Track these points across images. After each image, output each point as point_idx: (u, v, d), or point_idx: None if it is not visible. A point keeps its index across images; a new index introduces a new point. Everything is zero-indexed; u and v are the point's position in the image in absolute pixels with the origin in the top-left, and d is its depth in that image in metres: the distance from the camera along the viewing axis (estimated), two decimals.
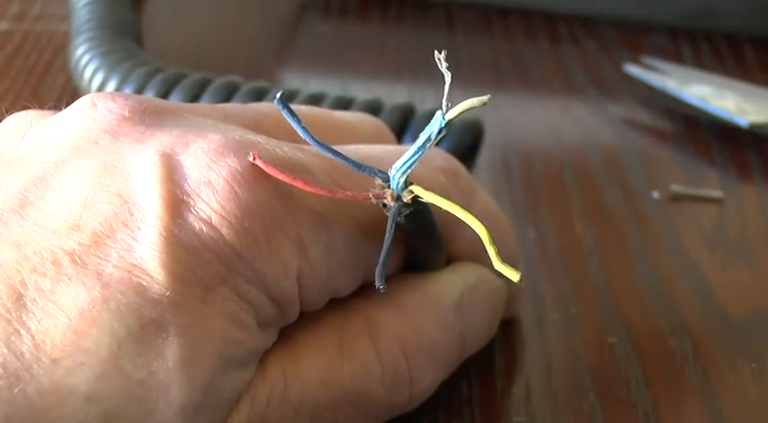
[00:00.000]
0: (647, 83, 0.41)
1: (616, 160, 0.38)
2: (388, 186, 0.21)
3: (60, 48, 0.41)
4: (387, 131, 0.27)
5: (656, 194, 0.35)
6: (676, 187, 0.36)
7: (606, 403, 0.26)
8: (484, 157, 0.35)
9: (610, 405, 0.26)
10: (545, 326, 0.29)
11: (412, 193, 0.20)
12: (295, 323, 0.22)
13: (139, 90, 0.34)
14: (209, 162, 0.20)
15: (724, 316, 0.30)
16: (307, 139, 0.20)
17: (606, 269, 0.31)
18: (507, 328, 0.28)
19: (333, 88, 0.36)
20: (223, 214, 0.19)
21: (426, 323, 0.24)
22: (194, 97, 0.34)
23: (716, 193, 0.35)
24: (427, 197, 0.20)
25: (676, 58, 0.44)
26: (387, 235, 0.21)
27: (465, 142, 0.34)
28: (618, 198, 0.35)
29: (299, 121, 0.20)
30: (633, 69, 0.42)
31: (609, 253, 0.32)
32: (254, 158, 0.20)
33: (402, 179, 0.20)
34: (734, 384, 0.27)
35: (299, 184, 0.20)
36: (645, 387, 0.27)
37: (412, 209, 0.21)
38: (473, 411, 0.26)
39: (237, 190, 0.20)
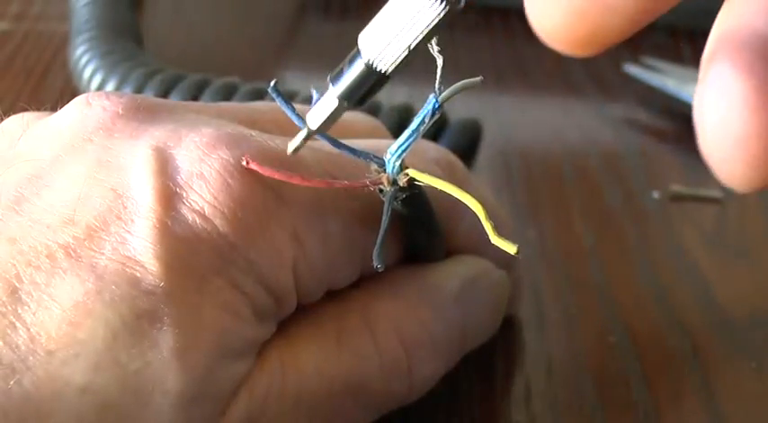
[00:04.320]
0: (647, 83, 0.41)
1: (616, 160, 0.38)
2: (384, 171, 0.21)
3: (60, 48, 0.41)
4: (383, 130, 0.28)
5: (656, 194, 0.35)
6: (676, 187, 0.36)
7: (606, 403, 0.26)
8: (484, 156, 0.35)
9: (610, 405, 0.26)
10: (545, 326, 0.29)
11: (407, 176, 0.21)
12: (293, 316, 0.22)
13: (138, 91, 0.34)
14: (201, 155, 0.20)
15: (724, 316, 0.30)
16: (299, 125, 0.21)
17: (606, 269, 0.31)
18: (507, 328, 0.28)
19: None
20: (216, 205, 0.20)
21: (425, 313, 0.24)
22: (193, 99, 0.34)
23: (716, 193, 0.35)
24: (422, 178, 0.20)
25: (676, 58, 0.44)
26: (383, 217, 0.21)
27: (463, 142, 0.34)
28: (618, 198, 0.35)
29: (292, 108, 0.21)
30: (633, 69, 0.42)
31: (609, 253, 0.32)
32: (247, 163, 0.20)
33: (397, 163, 0.21)
34: (734, 384, 0.27)
35: (296, 181, 0.20)
36: (645, 387, 0.27)
37: (408, 193, 0.21)
38: (473, 411, 0.26)
39: (230, 181, 0.20)
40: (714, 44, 0.14)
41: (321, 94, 0.20)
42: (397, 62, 0.19)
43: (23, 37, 0.43)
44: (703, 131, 0.14)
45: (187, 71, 0.35)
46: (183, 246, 0.19)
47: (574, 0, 0.15)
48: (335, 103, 0.20)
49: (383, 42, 0.18)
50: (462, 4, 0.18)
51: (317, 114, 0.20)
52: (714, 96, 0.14)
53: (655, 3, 0.15)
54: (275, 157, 0.21)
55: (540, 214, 0.34)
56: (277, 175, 0.20)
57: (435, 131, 0.34)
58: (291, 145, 0.20)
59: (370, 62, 0.19)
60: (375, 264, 0.20)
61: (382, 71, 0.19)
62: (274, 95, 0.21)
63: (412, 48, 0.18)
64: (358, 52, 0.19)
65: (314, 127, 0.20)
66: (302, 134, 0.20)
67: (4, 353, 0.18)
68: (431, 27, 0.18)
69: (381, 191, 0.21)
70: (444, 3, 0.18)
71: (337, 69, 0.19)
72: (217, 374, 0.20)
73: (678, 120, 0.40)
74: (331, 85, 0.19)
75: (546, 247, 0.32)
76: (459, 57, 0.44)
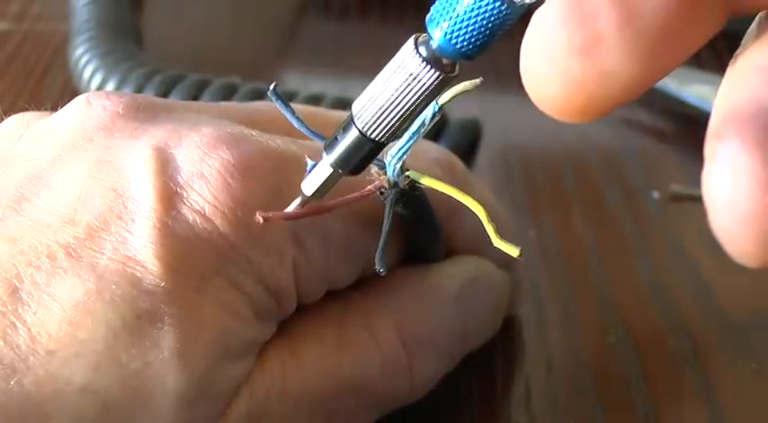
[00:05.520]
0: None
1: (616, 160, 0.38)
2: (385, 173, 0.21)
3: (60, 48, 0.41)
4: None
5: (656, 194, 0.35)
6: (676, 187, 0.36)
7: (606, 403, 0.26)
8: (484, 156, 0.35)
9: (610, 405, 0.26)
10: (545, 326, 0.29)
11: (408, 178, 0.21)
12: (293, 316, 0.22)
13: (138, 91, 0.34)
14: (201, 155, 0.20)
15: (724, 316, 0.30)
16: (299, 128, 0.21)
17: (606, 269, 0.31)
18: (507, 328, 0.28)
19: (333, 88, 0.36)
20: (216, 205, 0.20)
21: (426, 313, 0.24)
22: (193, 99, 0.34)
23: None
24: (423, 181, 0.21)
25: None
26: (385, 221, 0.21)
27: (463, 142, 0.34)
28: (618, 198, 0.35)
29: (292, 111, 0.21)
30: None
31: (609, 253, 0.32)
32: (264, 220, 0.19)
33: (398, 165, 0.20)
34: (734, 384, 0.27)
35: (316, 213, 0.20)
36: (645, 387, 0.27)
37: (409, 195, 0.21)
38: (473, 411, 0.26)
39: (230, 181, 0.20)
40: (720, 119, 0.14)
41: (316, 162, 0.20)
42: (392, 130, 0.19)
43: (23, 37, 0.43)
44: (713, 208, 0.14)
45: (187, 71, 0.35)
46: (183, 246, 0.19)
47: (570, 69, 0.14)
48: (329, 171, 0.20)
49: (377, 111, 0.18)
50: (456, 71, 0.18)
51: (311, 182, 0.20)
52: (722, 173, 0.13)
53: (650, 71, 0.14)
54: (275, 157, 0.21)
55: (540, 214, 0.34)
56: (299, 215, 0.20)
57: (435, 132, 0.34)
58: (290, 208, 0.20)
59: (364, 130, 0.19)
60: (378, 267, 0.20)
61: (376, 139, 0.19)
62: (274, 98, 0.21)
63: (406, 116, 0.18)
64: (351, 120, 0.19)
65: (308, 194, 0.20)
66: (297, 200, 0.20)
67: (5, 353, 0.18)
68: (425, 95, 0.18)
69: (382, 193, 0.21)
70: (438, 71, 0.18)
71: (332, 137, 0.20)
72: (217, 374, 0.20)
73: (678, 120, 0.40)
74: (325, 153, 0.20)
75: (546, 247, 0.32)
76: None
